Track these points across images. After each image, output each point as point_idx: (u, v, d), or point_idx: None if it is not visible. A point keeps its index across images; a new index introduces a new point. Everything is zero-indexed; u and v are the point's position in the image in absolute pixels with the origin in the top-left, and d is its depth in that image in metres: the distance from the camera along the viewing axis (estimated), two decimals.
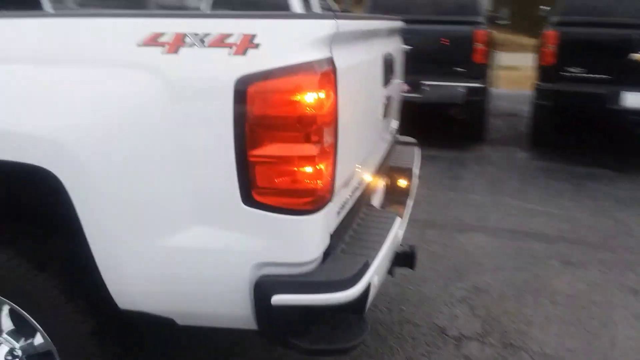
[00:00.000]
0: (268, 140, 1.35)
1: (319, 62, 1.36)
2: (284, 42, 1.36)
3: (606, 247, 3.81)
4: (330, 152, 1.46)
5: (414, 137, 3.21)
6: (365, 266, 1.52)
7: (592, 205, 4.67)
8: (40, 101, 1.42)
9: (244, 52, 1.33)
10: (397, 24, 2.53)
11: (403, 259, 2.42)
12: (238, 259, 1.43)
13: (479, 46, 6.12)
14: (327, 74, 1.38)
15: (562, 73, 5.75)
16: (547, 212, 4.47)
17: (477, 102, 6.39)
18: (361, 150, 1.85)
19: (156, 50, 1.37)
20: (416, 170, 2.63)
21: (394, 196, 2.55)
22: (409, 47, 6.26)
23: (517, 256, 3.63)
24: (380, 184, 2.37)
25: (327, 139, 1.43)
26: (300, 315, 1.46)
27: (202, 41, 1.35)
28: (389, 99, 2.21)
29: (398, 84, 2.60)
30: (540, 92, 5.99)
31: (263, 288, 1.42)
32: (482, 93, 6.33)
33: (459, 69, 6.19)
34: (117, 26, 1.44)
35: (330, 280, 1.44)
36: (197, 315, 1.56)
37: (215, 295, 1.49)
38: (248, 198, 1.38)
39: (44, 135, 1.39)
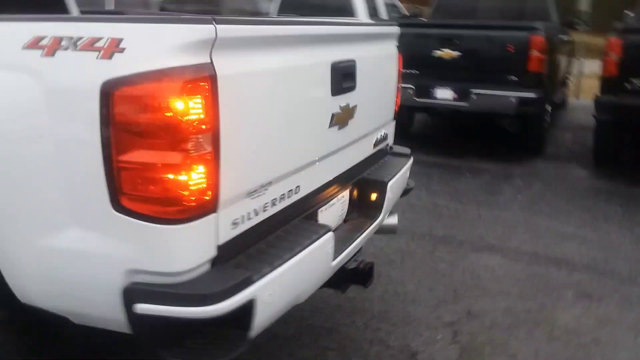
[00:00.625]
0: (132, 146, 1.32)
1: (188, 67, 1.31)
2: (152, 46, 1.32)
3: (636, 282, 3.42)
4: (210, 161, 1.40)
5: (458, 147, 3.06)
6: (245, 282, 1.45)
7: (638, 233, 4.22)
8: None
9: (110, 56, 1.31)
10: (373, 29, 2.42)
11: (353, 275, 2.33)
12: (110, 264, 1.42)
13: (535, 53, 5.73)
14: (198, 80, 1.33)
15: (625, 85, 5.25)
16: (582, 237, 4.09)
17: (531, 113, 5.99)
18: (285, 160, 1.77)
19: (36, 54, 1.39)
20: (392, 183, 2.49)
21: (363, 209, 2.45)
22: (458, 54, 6.04)
23: (528, 283, 3.35)
24: (341, 196, 2.27)
25: (204, 147, 1.37)
26: (169, 326, 1.42)
27: (75, 44, 1.35)
28: (348, 108, 2.11)
29: (376, 92, 2.47)
30: (599, 106, 5.52)
31: (128, 295, 1.39)
32: (537, 104, 5.91)
33: (511, 78, 5.84)
34: (4, 29, 1.48)
35: (194, 293, 1.39)
36: (84, 316, 1.56)
37: (93, 298, 1.48)
38: (117, 204, 1.36)
39: None
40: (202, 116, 1.35)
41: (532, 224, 4.33)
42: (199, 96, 1.34)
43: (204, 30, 1.34)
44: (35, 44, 1.39)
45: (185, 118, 1.32)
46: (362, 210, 2.45)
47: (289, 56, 1.71)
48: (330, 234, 1.87)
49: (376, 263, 2.50)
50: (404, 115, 7.10)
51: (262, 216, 1.70)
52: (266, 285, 1.53)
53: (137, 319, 1.39)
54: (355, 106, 2.20)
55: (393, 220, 2.88)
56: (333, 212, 2.21)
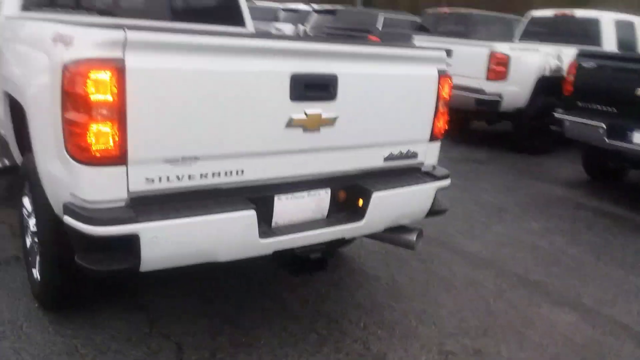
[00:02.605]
0: (68, 107, 1.98)
1: (103, 59, 1.91)
2: (86, 43, 1.95)
3: None
4: (117, 126, 1.96)
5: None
6: (129, 219, 1.99)
7: None
8: None
9: (67, 47, 1.99)
10: (372, 49, 2.60)
11: (302, 262, 2.60)
12: (64, 187, 2.11)
13: None
14: (108, 68, 1.90)
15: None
16: None
17: None
18: (216, 144, 2.18)
19: (50, 42, 2.16)
20: (381, 194, 2.63)
21: (349, 212, 2.67)
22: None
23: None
24: (316, 192, 2.56)
25: (111, 115, 1.95)
26: (81, 238, 2.04)
27: (62, 38, 2.08)
28: (317, 115, 2.39)
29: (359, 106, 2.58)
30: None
31: (64, 209, 2.07)
32: None
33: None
34: (40, 26, 2.30)
35: (87, 215, 1.98)
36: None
37: (58, 211, 2.21)
38: (65, 147, 2.04)
39: None
40: (109, 93, 1.93)
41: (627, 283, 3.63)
42: (109, 79, 1.92)
43: (117, 34, 1.91)
44: (54, 37, 2.16)
45: (97, 92, 1.92)
46: (347, 212, 2.68)
47: (222, 61, 2.13)
48: (248, 212, 2.24)
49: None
50: (592, 159, 6.40)
51: (188, 183, 2.19)
52: (150, 228, 2.03)
53: (65, 226, 2.07)
54: (336, 117, 2.47)
55: (411, 236, 2.98)
56: (300, 203, 2.53)
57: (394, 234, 3.01)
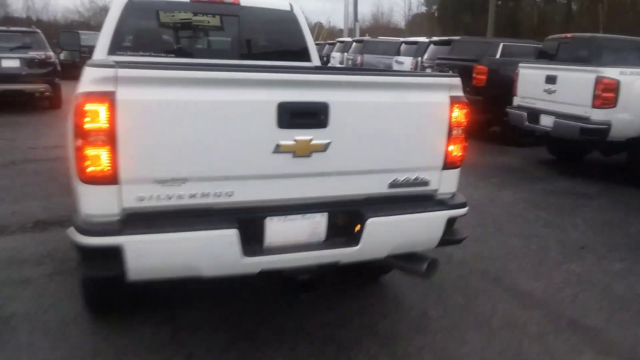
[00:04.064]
0: (74, 134, 2.33)
1: (98, 92, 2.23)
2: (88, 79, 2.28)
3: None
4: (109, 149, 2.25)
5: None
6: (114, 231, 2.27)
7: None
8: None
9: (81, 84, 2.34)
10: (366, 78, 2.64)
11: (291, 283, 2.68)
12: (79, 203, 2.44)
13: None
14: (102, 100, 2.21)
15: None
16: None
17: None
18: (204, 167, 2.39)
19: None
20: (377, 221, 2.64)
21: (346, 236, 2.72)
22: None
23: None
24: (311, 216, 2.65)
25: (104, 140, 2.25)
26: (78, 247, 2.35)
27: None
28: (306, 142, 2.49)
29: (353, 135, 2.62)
30: None
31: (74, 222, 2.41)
32: None
33: None
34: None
35: (81, 227, 2.29)
36: None
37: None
38: (75, 168, 2.39)
39: None
40: (102, 121, 2.24)
41: None
42: (102, 109, 2.23)
43: (109, 71, 2.22)
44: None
45: (92, 122, 2.24)
46: (346, 237, 2.73)
47: (208, 91, 2.34)
48: (229, 231, 2.41)
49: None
50: None
51: (178, 202, 2.42)
52: (134, 241, 2.29)
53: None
54: (328, 143, 2.57)
55: (421, 265, 2.92)
56: (293, 225, 2.64)
57: (404, 262, 2.98)
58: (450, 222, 2.89)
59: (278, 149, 2.49)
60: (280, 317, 3.31)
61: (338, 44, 22.47)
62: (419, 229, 2.83)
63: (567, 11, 34.25)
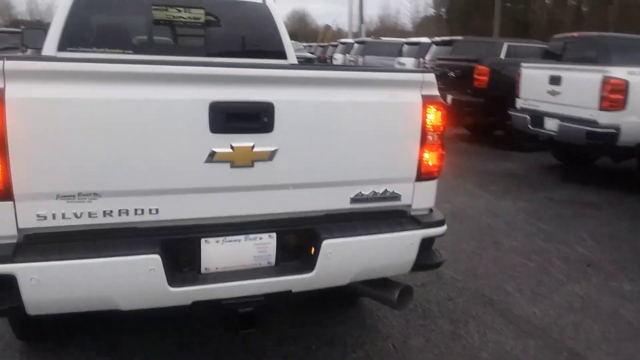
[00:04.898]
0: None
1: None
2: None
3: None
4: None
5: None
6: (4, 258, 1.85)
7: None
8: None
9: None
10: (323, 73, 2.20)
11: (231, 316, 2.26)
12: None
13: None
14: None
15: None
16: None
17: None
18: (119, 179, 1.98)
19: None
20: (334, 242, 2.22)
21: (300, 260, 2.30)
22: None
23: None
24: (257, 237, 2.23)
25: None
26: None
27: None
28: (247, 149, 2.08)
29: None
30: None
31: None
32: None
33: None
34: None
35: None
36: None
37: None
38: None
39: None
40: None
41: None
42: None
43: None
44: None
45: None
46: (299, 260, 2.31)
47: (120, 88, 1.93)
48: (148, 256, 1.99)
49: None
50: None
51: (90, 221, 2.01)
52: (27, 268, 1.88)
53: None
54: (274, 150, 2.14)
55: (392, 293, 2.49)
56: (235, 248, 2.22)
57: (373, 288, 2.55)
58: (426, 243, 2.46)
59: (212, 158, 2.08)
60: (239, 350, 2.89)
61: (340, 45, 22.06)
62: (387, 252, 2.39)
63: (577, 12, 33.68)
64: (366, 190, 2.37)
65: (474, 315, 3.41)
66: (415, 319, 3.31)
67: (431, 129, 2.40)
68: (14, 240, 1.95)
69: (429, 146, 2.42)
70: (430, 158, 2.44)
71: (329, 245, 2.23)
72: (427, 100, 2.37)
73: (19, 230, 1.94)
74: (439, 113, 2.41)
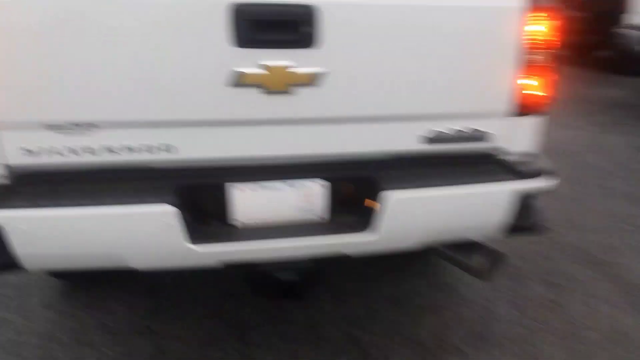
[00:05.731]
0: None
1: None
2: None
3: None
4: None
5: None
6: None
7: None
8: None
9: None
10: None
11: (272, 283, 1.84)
12: None
13: None
14: None
15: None
16: None
17: None
18: (120, 106, 1.54)
19: None
20: (399, 196, 1.70)
21: (357, 216, 1.81)
22: None
23: None
24: (301, 184, 1.76)
25: None
26: None
27: None
28: (283, 70, 1.56)
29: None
30: None
31: None
32: None
33: None
34: None
35: None
36: None
37: None
38: None
39: None
40: None
41: None
42: None
43: None
44: None
45: None
46: (357, 216, 1.81)
47: None
48: (159, 207, 1.58)
49: None
50: None
51: (90, 158, 1.61)
52: (15, 217, 1.54)
53: None
54: (323, 72, 1.61)
55: (479, 259, 1.97)
56: (275, 197, 1.76)
57: (453, 252, 2.03)
58: (524, 198, 1.87)
59: (237, 81, 1.58)
60: (288, 306, 2.51)
61: None
62: (472, 208, 1.83)
63: None
64: (440, 127, 1.78)
65: (576, 278, 2.81)
66: (503, 280, 2.77)
67: (535, 46, 1.75)
68: (3, 181, 1.60)
69: (531, 69, 1.77)
70: (533, 86, 1.80)
71: (396, 199, 1.71)
72: (533, 4, 1.71)
73: (8, 167, 1.57)
74: (550, 23, 1.75)
